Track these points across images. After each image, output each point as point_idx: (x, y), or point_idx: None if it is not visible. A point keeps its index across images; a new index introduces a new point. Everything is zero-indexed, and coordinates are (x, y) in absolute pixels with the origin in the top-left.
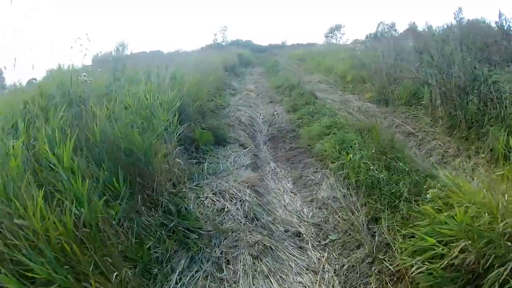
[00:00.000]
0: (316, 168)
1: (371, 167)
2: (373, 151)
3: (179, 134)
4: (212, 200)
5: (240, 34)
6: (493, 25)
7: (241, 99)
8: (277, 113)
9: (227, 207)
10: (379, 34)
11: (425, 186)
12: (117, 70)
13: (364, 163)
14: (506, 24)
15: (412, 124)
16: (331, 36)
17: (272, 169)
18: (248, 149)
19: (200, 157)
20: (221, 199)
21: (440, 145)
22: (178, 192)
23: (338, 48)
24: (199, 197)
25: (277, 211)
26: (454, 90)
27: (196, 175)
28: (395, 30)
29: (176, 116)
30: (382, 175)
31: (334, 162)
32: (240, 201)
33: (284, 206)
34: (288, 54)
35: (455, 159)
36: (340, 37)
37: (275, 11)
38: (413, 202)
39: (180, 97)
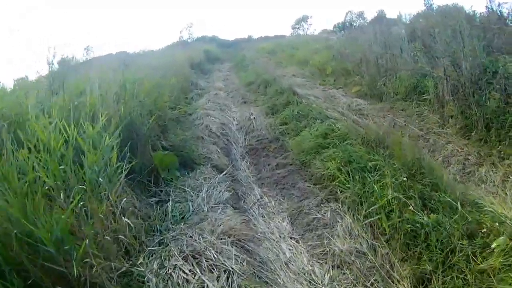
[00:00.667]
0: (321, 200)
1: (408, 205)
2: (404, 178)
3: (128, 170)
4: (184, 272)
5: (206, 31)
6: (468, 10)
7: (210, 101)
8: (253, 117)
9: (207, 285)
10: (347, 23)
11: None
12: (60, 79)
13: (394, 197)
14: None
15: (417, 124)
16: (298, 28)
17: (258, 199)
18: (224, 173)
19: (161, 191)
20: (196, 268)
21: (457, 150)
22: (132, 267)
23: (308, 38)
24: (164, 266)
25: (278, 277)
26: (467, 84)
27: (157, 225)
28: (364, 19)
29: (114, 151)
30: (426, 218)
31: (345, 191)
32: (224, 271)
33: (286, 264)
34: (256, 47)
35: (478, 168)
36: (308, 28)
37: (240, 6)
38: (469, 250)
39: (129, 112)
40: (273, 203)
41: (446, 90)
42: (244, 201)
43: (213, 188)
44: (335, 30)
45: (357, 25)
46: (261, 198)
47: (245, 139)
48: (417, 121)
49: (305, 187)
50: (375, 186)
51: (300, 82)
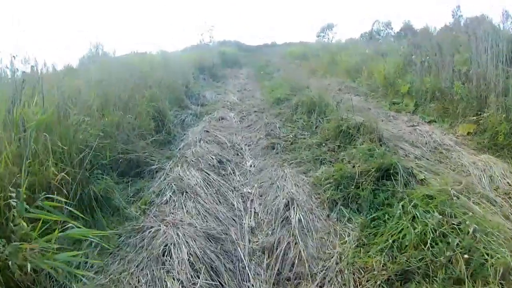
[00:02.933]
0: None
1: None
2: None
3: None
4: None
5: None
6: None
7: (205, 131)
8: (299, 217)
9: None
10: (374, 32)
11: None
12: None
13: None
14: None
15: None
16: (323, 36)
17: None
18: None
19: None
20: None
21: None
22: None
23: (338, 45)
24: None
25: None
26: None
27: None
28: (391, 29)
29: None
30: None
31: None
32: None
33: None
34: (281, 52)
35: None
36: (333, 37)
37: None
38: None
39: None
40: None
41: None
42: None
43: None
44: (362, 39)
45: (384, 35)
46: None
47: None
48: None
49: None
50: None
51: (359, 104)
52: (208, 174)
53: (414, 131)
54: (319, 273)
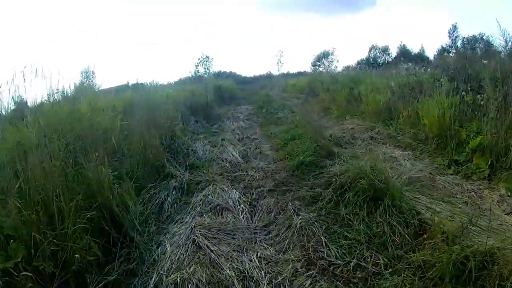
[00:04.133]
0: None
1: None
2: None
3: None
4: None
5: (223, 66)
6: None
7: (194, 243)
8: None
9: None
10: (371, 59)
11: None
12: None
13: None
14: None
15: None
16: (319, 65)
17: None
18: None
19: None
20: None
21: None
22: None
23: (335, 75)
24: None
25: None
26: None
27: None
28: (389, 54)
29: None
30: None
31: None
32: None
33: None
34: (281, 84)
35: None
36: (328, 65)
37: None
38: None
39: None
40: None
41: None
42: None
43: None
44: (359, 66)
45: (381, 61)
46: None
47: None
48: None
49: None
50: None
51: (415, 168)
52: None
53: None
54: None
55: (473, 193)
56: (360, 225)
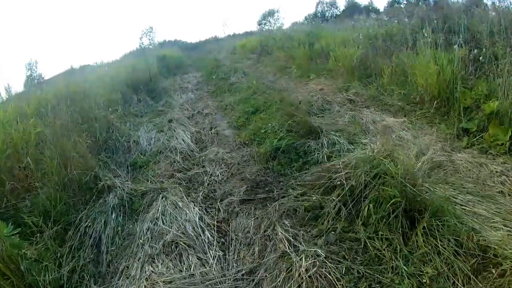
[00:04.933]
0: None
1: None
2: None
3: None
4: None
5: (168, 35)
6: None
7: None
8: None
9: None
10: (319, 13)
11: None
12: None
13: None
14: None
15: None
16: (265, 23)
17: None
18: None
19: None
20: None
21: None
22: None
23: (289, 31)
24: None
25: None
26: None
27: None
28: (337, 8)
29: None
30: None
31: None
32: None
33: None
34: (230, 47)
35: None
36: (275, 23)
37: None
38: None
39: None
40: None
41: None
42: None
43: None
44: (305, 22)
45: (329, 14)
46: None
47: None
48: None
49: None
50: None
51: (423, 150)
52: None
53: None
54: None
55: (504, 176)
56: (396, 259)
